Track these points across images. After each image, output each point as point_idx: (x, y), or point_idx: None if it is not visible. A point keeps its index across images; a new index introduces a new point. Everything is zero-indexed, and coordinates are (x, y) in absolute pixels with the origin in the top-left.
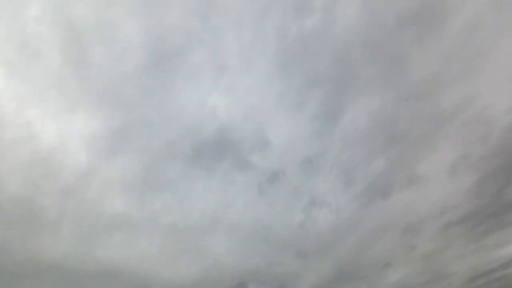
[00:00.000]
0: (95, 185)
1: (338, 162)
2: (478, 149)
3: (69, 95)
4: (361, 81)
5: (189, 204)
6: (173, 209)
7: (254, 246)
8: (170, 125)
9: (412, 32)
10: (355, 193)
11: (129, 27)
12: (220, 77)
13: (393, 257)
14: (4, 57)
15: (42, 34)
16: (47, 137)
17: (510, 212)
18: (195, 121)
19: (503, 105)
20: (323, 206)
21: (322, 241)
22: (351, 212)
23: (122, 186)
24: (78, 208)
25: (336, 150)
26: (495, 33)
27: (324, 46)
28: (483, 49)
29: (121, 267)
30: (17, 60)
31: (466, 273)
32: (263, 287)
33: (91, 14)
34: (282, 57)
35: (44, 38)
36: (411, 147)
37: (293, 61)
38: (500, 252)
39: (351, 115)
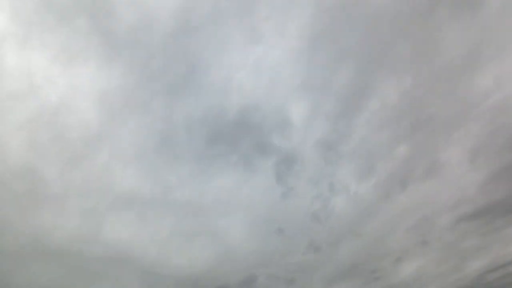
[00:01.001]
0: (105, 153)
1: (360, 147)
2: (501, 138)
3: (81, 40)
4: (392, 60)
5: (204, 183)
6: (187, 187)
7: (267, 234)
8: (194, 97)
9: (447, 9)
10: (374, 182)
11: None
12: (250, 50)
13: (408, 249)
14: None
15: None
16: (52, 91)
17: None
18: (219, 97)
19: None
20: (341, 195)
21: (336, 232)
22: (368, 202)
23: (134, 156)
24: (85, 180)
25: (360, 133)
26: None
27: (356, 20)
28: None
29: (130, 251)
30: None
31: (482, 266)
32: (273, 281)
33: None
34: (314, 28)
35: None
36: (436, 133)
37: (323, 34)
38: None
39: (379, 95)
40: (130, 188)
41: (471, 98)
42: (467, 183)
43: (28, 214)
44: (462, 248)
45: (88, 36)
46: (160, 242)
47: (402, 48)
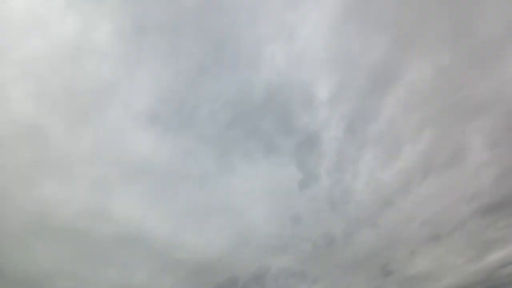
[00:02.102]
0: (116, 108)
1: (387, 130)
2: None
3: None
4: (428, 36)
5: (224, 162)
6: (206, 164)
7: (283, 220)
8: (221, 73)
9: None
10: (397, 169)
11: None
12: (286, 17)
13: (423, 242)
14: None
15: None
16: (61, 25)
17: None
18: (248, 73)
19: None
20: (362, 181)
21: (353, 221)
22: (388, 191)
23: (152, 122)
24: (93, 143)
25: (387, 115)
26: None
27: None
28: None
29: (141, 231)
30: None
31: (500, 259)
32: (284, 274)
33: None
34: None
35: None
36: (464, 118)
37: (358, 3)
38: None
39: (411, 74)
40: (141, 154)
41: (504, 81)
42: (487, 174)
43: (29, 185)
44: (480, 241)
45: None
46: (174, 221)
47: (440, 23)
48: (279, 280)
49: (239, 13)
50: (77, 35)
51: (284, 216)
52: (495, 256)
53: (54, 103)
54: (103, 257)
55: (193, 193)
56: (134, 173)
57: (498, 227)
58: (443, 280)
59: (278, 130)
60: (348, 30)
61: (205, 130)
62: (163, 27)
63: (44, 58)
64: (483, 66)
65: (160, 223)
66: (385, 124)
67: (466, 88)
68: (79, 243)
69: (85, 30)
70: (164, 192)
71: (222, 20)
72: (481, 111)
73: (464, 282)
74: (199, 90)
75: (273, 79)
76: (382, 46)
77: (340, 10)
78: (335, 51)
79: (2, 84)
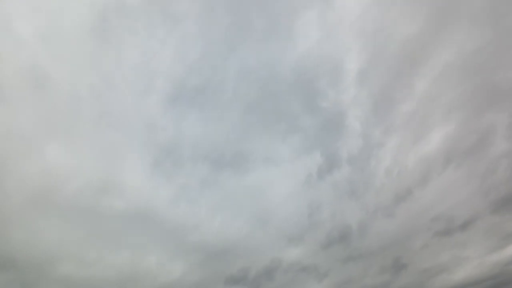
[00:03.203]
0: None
1: (416, 111)
2: None
3: None
4: (470, 10)
5: (248, 139)
6: (227, 141)
7: (300, 209)
8: (250, 40)
9: None
10: (420, 156)
11: None
12: None
13: (436, 235)
14: None
15: None
16: None
17: None
18: (278, 45)
19: None
20: (382, 169)
21: (370, 211)
22: (407, 182)
23: (171, 94)
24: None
25: (418, 95)
26: None
27: None
28: None
29: (153, 207)
30: None
31: None
32: (294, 268)
33: None
34: None
35: None
36: (492, 104)
37: None
38: None
39: (448, 51)
40: (164, 129)
41: None
42: (506, 166)
43: (32, 152)
44: (496, 235)
45: None
46: (189, 200)
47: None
48: (290, 274)
49: None
50: None
51: (302, 203)
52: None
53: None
54: (111, 238)
55: (210, 174)
56: (149, 141)
57: None
58: (457, 273)
59: (303, 110)
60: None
61: (228, 111)
62: None
63: None
64: None
65: (174, 201)
66: (414, 104)
67: (501, 71)
68: (86, 221)
69: None
70: (179, 169)
71: None
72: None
73: (478, 276)
74: (225, 67)
75: (304, 54)
76: (418, 19)
77: None
78: (371, 21)
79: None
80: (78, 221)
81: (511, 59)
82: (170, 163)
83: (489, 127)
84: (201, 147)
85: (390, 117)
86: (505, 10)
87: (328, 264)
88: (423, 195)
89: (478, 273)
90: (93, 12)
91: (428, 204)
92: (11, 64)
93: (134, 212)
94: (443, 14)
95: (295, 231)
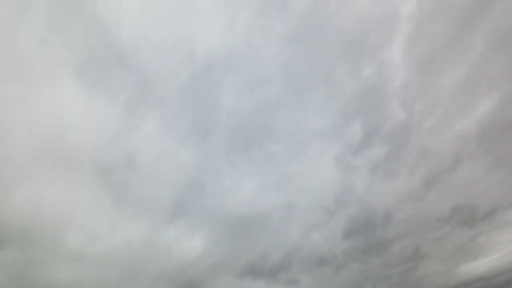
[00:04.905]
0: None
1: (465, 78)
2: None
3: None
4: None
5: (291, 111)
6: (265, 110)
7: (327, 195)
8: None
9: None
10: (456, 135)
11: None
12: None
13: (459, 225)
14: None
15: None
16: None
17: None
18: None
19: None
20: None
21: (397, 198)
22: (440, 164)
23: None
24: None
25: (469, 58)
26: None
27: None
28: None
29: (178, 173)
30: None
31: None
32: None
33: None
34: None
35: None
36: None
37: None
38: None
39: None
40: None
41: None
42: None
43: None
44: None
45: None
46: (216, 167)
47: None
48: (308, 263)
49: None
50: None
51: (332, 183)
52: None
53: None
54: (126, 206)
55: (240, 143)
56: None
57: None
58: (477, 261)
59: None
60: None
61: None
62: None
63: None
64: None
65: (201, 166)
66: (465, 69)
67: None
68: (100, 183)
69: None
70: (212, 134)
71: None
72: None
73: (497, 269)
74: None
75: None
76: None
77: None
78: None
79: None
80: (91, 182)
81: None
82: (203, 132)
83: None
84: (234, 115)
85: (435, 89)
86: None
87: (347, 255)
88: (451, 180)
89: (499, 265)
90: None
91: (454, 192)
92: None
93: (155, 175)
94: None
95: (319, 216)
